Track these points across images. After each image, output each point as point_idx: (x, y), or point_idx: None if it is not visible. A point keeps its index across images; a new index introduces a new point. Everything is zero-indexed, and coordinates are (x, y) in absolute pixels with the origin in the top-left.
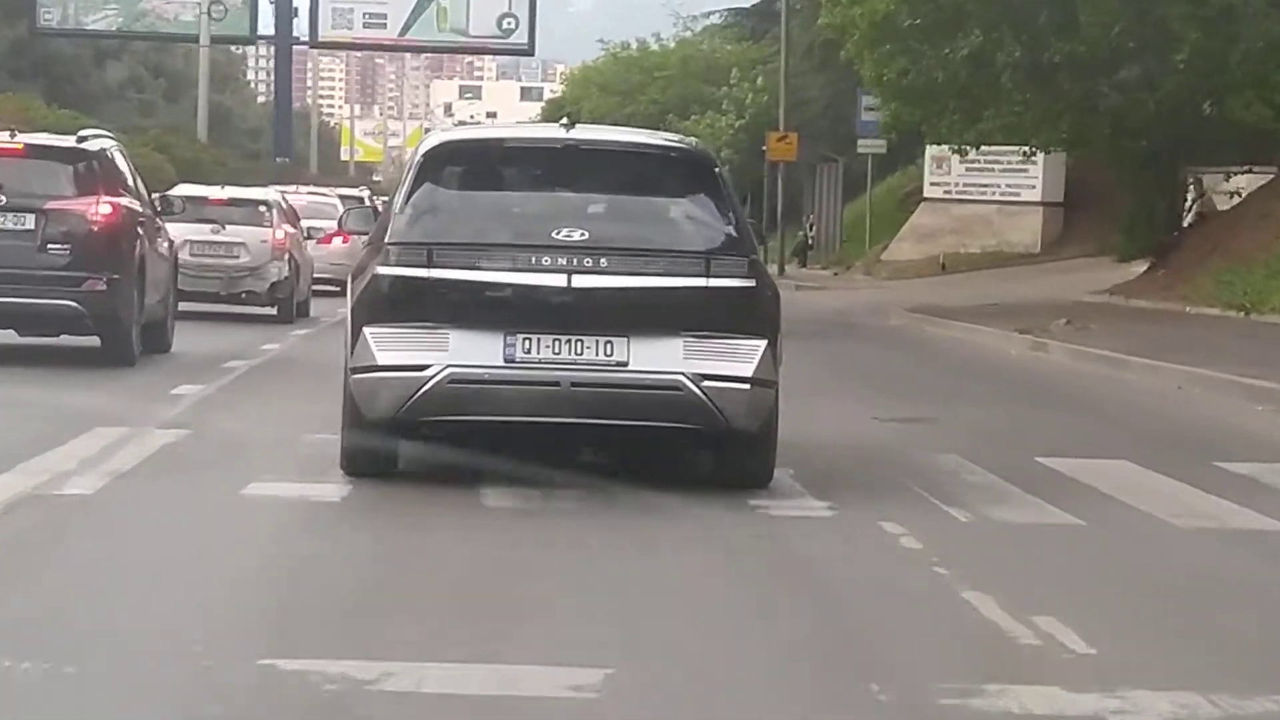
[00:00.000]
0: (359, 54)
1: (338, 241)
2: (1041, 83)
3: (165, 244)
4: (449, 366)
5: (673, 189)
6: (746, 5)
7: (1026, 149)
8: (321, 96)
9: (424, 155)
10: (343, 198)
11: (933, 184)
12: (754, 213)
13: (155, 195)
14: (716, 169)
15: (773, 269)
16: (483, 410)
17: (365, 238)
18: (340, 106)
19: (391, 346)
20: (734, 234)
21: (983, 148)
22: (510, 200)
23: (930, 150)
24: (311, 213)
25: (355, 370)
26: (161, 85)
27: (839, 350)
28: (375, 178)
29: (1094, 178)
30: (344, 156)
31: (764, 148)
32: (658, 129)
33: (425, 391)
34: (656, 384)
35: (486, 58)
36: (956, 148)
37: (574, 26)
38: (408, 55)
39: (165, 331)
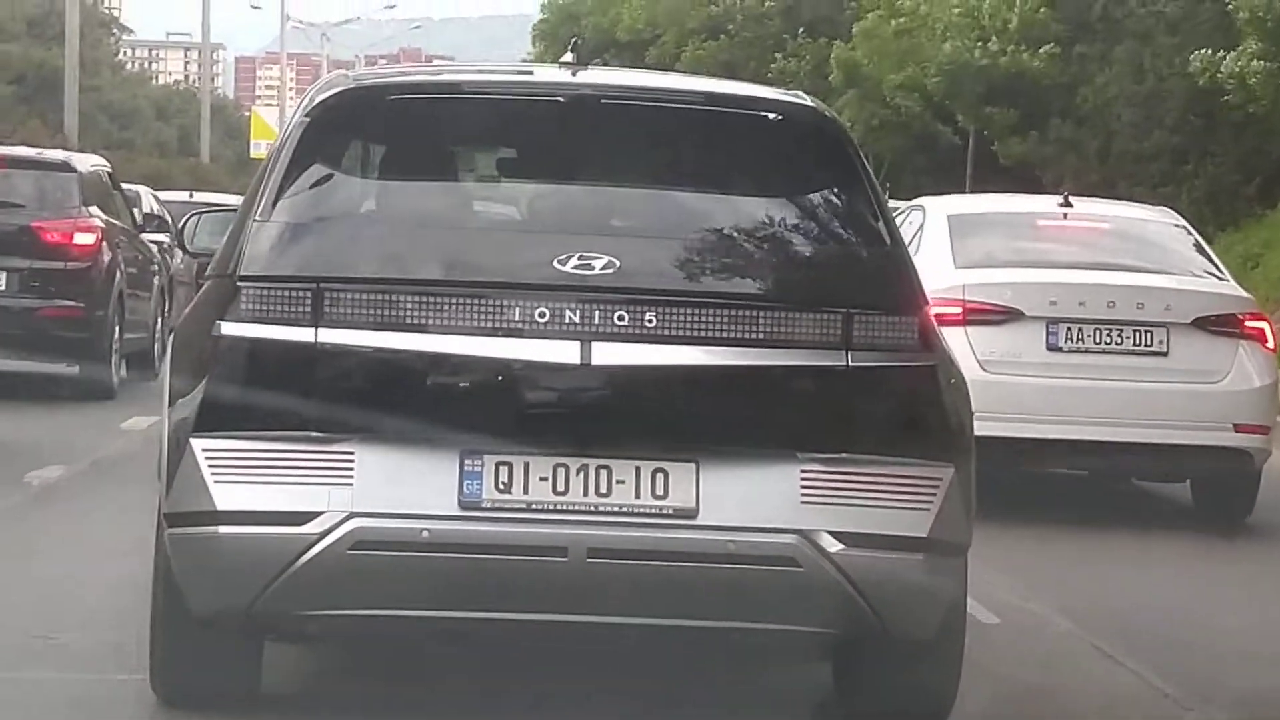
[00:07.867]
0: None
1: None
2: None
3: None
4: (354, 517)
5: (774, 182)
6: None
7: None
8: (269, 105)
9: (310, 114)
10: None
11: None
12: None
13: None
14: (849, 144)
15: None
16: (416, 600)
17: None
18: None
19: (244, 477)
20: (891, 266)
21: None
22: (469, 198)
23: None
24: None
25: (175, 520)
26: None
27: None
28: None
29: None
30: (254, 153)
31: None
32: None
33: (309, 564)
34: (751, 554)
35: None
36: None
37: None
38: (347, 53)
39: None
